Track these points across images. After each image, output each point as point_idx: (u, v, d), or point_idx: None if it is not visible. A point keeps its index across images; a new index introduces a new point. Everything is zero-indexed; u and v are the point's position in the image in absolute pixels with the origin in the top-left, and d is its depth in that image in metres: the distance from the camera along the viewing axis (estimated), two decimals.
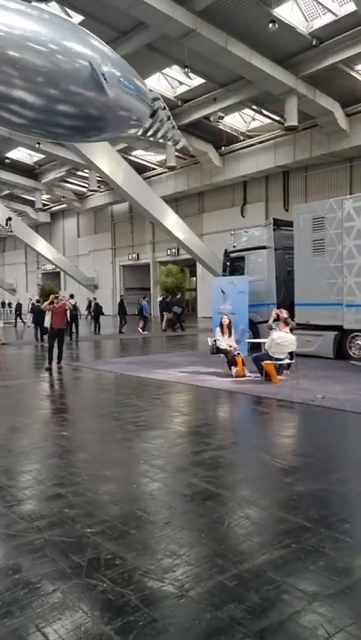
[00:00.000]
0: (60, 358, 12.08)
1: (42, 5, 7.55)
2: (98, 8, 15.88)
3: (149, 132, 8.98)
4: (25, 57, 6.22)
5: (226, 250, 15.95)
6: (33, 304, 23.16)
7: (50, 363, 11.77)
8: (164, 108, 8.49)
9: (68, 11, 17.03)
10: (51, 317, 11.95)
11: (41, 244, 39.68)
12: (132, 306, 38.88)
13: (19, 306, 31.08)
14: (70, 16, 17.28)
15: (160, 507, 4.12)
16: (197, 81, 20.81)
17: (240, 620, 2.55)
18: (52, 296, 12.36)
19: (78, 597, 2.80)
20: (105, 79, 6.78)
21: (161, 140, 9.52)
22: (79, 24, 17.13)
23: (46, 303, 12.39)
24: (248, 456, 5.53)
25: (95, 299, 26.77)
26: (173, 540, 3.46)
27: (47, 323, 12.45)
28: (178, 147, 10.17)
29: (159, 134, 9.10)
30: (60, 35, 6.74)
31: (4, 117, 6.78)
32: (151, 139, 9.48)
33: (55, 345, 11.88)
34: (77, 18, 17.15)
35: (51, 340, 11.99)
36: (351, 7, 13.93)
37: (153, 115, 8.15)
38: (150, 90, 8.49)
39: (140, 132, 8.88)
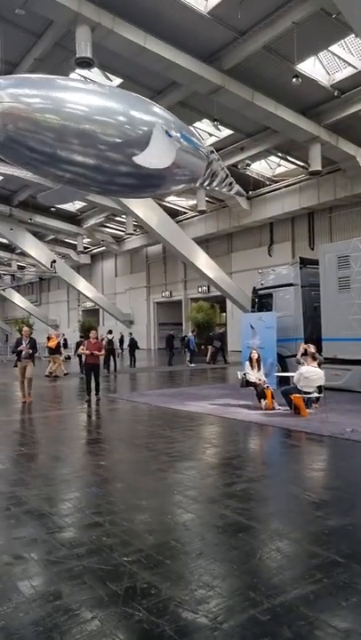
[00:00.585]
0: (97, 390, 12.10)
1: (103, 81, 8.15)
2: (135, 71, 16.62)
3: (206, 182, 9.53)
4: (95, 129, 6.64)
5: (254, 287, 15.97)
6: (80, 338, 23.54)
7: (89, 395, 11.84)
8: (218, 159, 8.86)
9: (108, 75, 17.90)
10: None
11: (82, 284, 40.62)
12: (163, 340, 39.36)
13: (64, 341, 31.80)
14: (110, 79, 18.16)
15: (193, 537, 4.05)
16: (226, 132, 21.33)
17: None
18: (92, 332, 12.41)
19: (115, 626, 2.76)
20: (170, 136, 7.24)
21: (217, 188, 9.92)
22: (118, 86, 18.05)
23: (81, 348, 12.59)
24: (279, 489, 5.40)
25: (131, 333, 27.03)
26: (207, 572, 3.39)
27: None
28: (232, 192, 10.66)
29: (215, 183, 9.61)
30: (124, 105, 7.20)
31: (74, 180, 7.25)
32: (208, 187, 9.89)
33: (92, 378, 11.93)
34: (116, 81, 17.99)
35: (87, 374, 12.01)
36: None
37: (208, 166, 8.42)
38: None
39: (198, 183, 9.28)
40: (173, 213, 29.74)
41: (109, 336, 20.77)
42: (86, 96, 6.90)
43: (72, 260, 44.54)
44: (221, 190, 10.34)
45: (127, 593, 3.09)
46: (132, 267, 43.26)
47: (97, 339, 12.39)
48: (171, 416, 9.89)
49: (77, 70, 16.56)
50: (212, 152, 8.39)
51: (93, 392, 11.98)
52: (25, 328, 12.91)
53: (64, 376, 18.90)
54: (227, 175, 9.71)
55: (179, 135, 7.42)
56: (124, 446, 7.70)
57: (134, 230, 34.47)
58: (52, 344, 19.02)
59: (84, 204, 31.99)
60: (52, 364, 19.02)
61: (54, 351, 19.13)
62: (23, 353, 11.80)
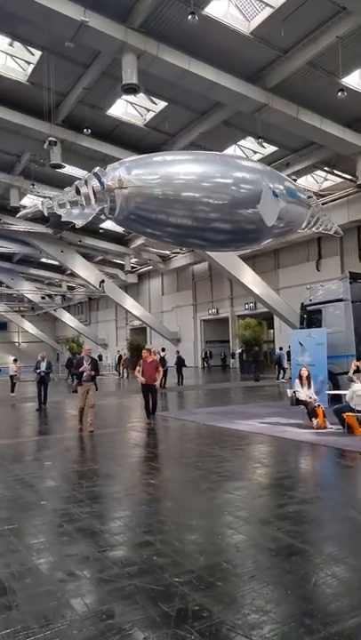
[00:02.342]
0: (154, 411, 11.37)
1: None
2: (179, 94, 16.99)
3: (309, 226, 10.50)
4: (202, 195, 7.39)
5: (302, 303, 15.71)
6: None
7: (148, 417, 11.25)
8: (318, 204, 9.40)
9: (153, 99, 18.38)
10: (142, 372, 11.02)
11: (129, 303, 41.30)
12: (216, 357, 39.33)
13: (122, 358, 32.80)
14: (155, 103, 18.63)
15: (245, 560, 3.97)
16: (270, 149, 21.34)
17: None
18: (144, 351, 11.62)
19: None
20: (276, 195, 7.97)
21: (316, 230, 10.96)
22: (162, 110, 18.49)
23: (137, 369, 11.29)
24: (333, 511, 5.22)
25: (178, 352, 27.10)
26: (260, 596, 3.31)
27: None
28: (332, 232, 11.73)
29: (315, 226, 10.58)
30: (226, 169, 7.92)
31: (187, 242, 8.16)
32: (310, 230, 10.83)
33: (150, 398, 11.23)
34: (161, 104, 18.44)
35: (145, 395, 11.27)
36: None
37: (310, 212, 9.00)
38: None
39: (301, 228, 10.30)
40: None
41: (162, 353, 20.92)
42: (195, 166, 7.64)
43: (120, 279, 45.42)
44: (320, 231, 11.31)
45: (179, 614, 3.06)
46: (178, 285, 43.59)
47: (152, 356, 11.61)
48: (219, 434, 9.81)
49: (124, 96, 17.10)
50: (310, 197, 8.88)
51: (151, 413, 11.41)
52: (86, 346, 12.02)
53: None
54: (326, 216, 10.76)
55: (283, 189, 7.96)
56: (174, 465, 7.69)
57: (180, 249, 34.80)
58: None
59: None
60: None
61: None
62: (85, 375, 10.36)
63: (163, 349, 22.06)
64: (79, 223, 7.57)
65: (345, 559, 3.87)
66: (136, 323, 46.87)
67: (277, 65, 15.42)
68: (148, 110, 19.24)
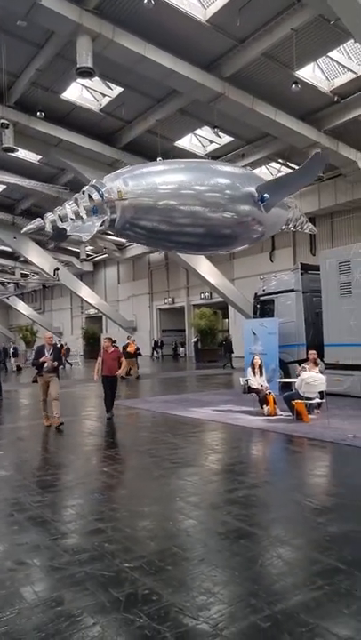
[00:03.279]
0: (111, 404, 10.57)
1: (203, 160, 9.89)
2: (135, 80, 16.74)
3: (288, 227, 11.44)
4: (198, 203, 7.80)
5: (256, 293, 15.99)
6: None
7: (108, 411, 10.48)
8: (296, 206, 9.73)
9: (109, 84, 18.04)
10: (102, 364, 10.27)
11: (85, 291, 40.72)
12: (168, 346, 39.52)
13: (62, 348, 31.87)
14: (111, 88, 18.31)
15: (195, 544, 4.06)
16: (226, 139, 21.41)
17: None
18: (105, 340, 10.63)
19: (117, 632, 2.77)
20: (263, 202, 8.43)
21: (293, 229, 11.82)
22: (118, 96, 18.20)
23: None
24: (281, 495, 5.40)
25: (134, 340, 27.06)
26: (208, 578, 3.40)
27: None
28: (307, 230, 12.54)
29: (292, 225, 11.39)
30: (215, 176, 8.31)
31: (178, 248, 9.46)
32: (287, 228, 11.66)
33: (110, 391, 10.50)
34: (117, 90, 18.13)
35: (105, 387, 10.47)
36: None
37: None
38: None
39: (282, 228, 11.06)
40: None
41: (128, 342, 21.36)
42: (189, 175, 8.02)
43: (75, 267, 44.68)
44: (298, 230, 11.97)
45: (129, 599, 3.10)
46: (134, 274, 43.37)
47: (115, 346, 10.82)
48: (173, 422, 9.90)
49: (79, 79, 16.71)
50: (291, 201, 9.32)
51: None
52: (47, 334, 11.00)
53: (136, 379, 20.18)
54: (304, 216, 11.43)
55: (269, 195, 8.39)
56: (128, 453, 7.71)
57: None
58: (132, 349, 20.36)
59: None
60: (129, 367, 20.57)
61: (132, 356, 20.13)
62: (46, 365, 9.46)
63: (128, 337, 22.29)
64: (85, 238, 7.71)
65: (290, 540, 4.02)
66: (92, 311, 46.34)
67: (233, 54, 15.45)
68: (104, 95, 18.89)
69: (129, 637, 2.73)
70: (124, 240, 37.44)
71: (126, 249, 40.81)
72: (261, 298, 15.55)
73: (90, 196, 7.50)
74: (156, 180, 7.65)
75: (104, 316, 44.39)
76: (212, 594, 3.18)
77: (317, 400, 9.83)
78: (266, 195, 8.33)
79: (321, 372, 10.10)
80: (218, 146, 22.13)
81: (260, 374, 10.98)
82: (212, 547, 3.96)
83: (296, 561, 3.67)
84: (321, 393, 9.84)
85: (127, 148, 21.49)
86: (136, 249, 39.45)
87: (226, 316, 35.02)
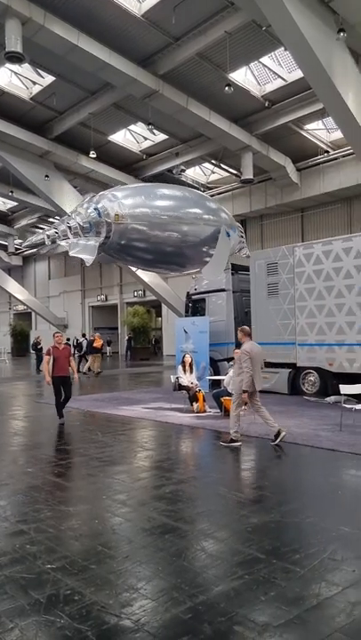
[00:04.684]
0: (63, 406, 9.57)
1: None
2: (68, 70, 16.40)
3: (235, 252, 12.41)
4: (175, 229, 8.62)
5: (188, 292, 16.19)
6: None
7: (60, 415, 9.54)
8: (241, 232, 10.77)
9: (40, 72, 17.53)
10: (54, 361, 9.23)
11: (13, 286, 39.31)
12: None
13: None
14: (43, 77, 17.80)
15: (120, 541, 4.06)
16: (161, 137, 21.48)
17: None
18: (56, 335, 9.64)
19: (36, 634, 2.71)
20: (229, 235, 9.60)
21: (237, 253, 12.72)
22: (50, 85, 17.74)
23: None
24: (207, 490, 5.51)
25: (68, 339, 26.67)
26: (132, 575, 3.41)
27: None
28: (243, 254, 13.23)
29: (238, 250, 12.33)
30: (196, 206, 9.29)
31: (160, 268, 10.03)
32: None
33: (63, 394, 9.48)
34: (49, 79, 17.66)
35: (56, 389, 9.43)
36: (299, 74, 14.82)
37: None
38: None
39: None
40: None
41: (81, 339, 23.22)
42: (175, 203, 8.91)
43: (3, 261, 43.02)
44: (237, 253, 12.87)
45: (50, 600, 3.05)
46: (66, 269, 42.42)
47: (66, 343, 10.00)
48: (103, 421, 9.81)
49: (7, 65, 16.09)
50: (238, 227, 10.14)
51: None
52: None
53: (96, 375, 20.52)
54: (244, 242, 12.66)
55: (233, 231, 9.50)
56: (55, 452, 7.56)
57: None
58: (98, 344, 21.30)
59: (15, 203, 31.04)
60: (92, 362, 21.25)
61: (98, 350, 21.28)
62: None
63: (83, 335, 22.44)
64: (87, 260, 7.96)
65: (214, 533, 4.12)
66: (20, 307, 44.85)
67: (169, 52, 15.53)
68: (35, 83, 18.34)
69: (49, 639, 2.68)
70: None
71: None
72: (193, 297, 15.77)
73: (88, 215, 7.80)
74: (149, 206, 8.22)
75: (34, 313, 43.10)
76: (136, 590, 3.19)
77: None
78: (231, 231, 9.51)
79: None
80: (152, 143, 22.16)
81: (191, 372, 11.13)
82: (138, 543, 3.97)
83: (218, 553, 3.77)
84: None
85: (59, 139, 21.01)
86: None
87: (159, 314, 35.16)
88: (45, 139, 20.81)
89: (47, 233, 7.70)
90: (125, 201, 7.86)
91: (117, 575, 3.40)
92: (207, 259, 9.32)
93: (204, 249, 8.88)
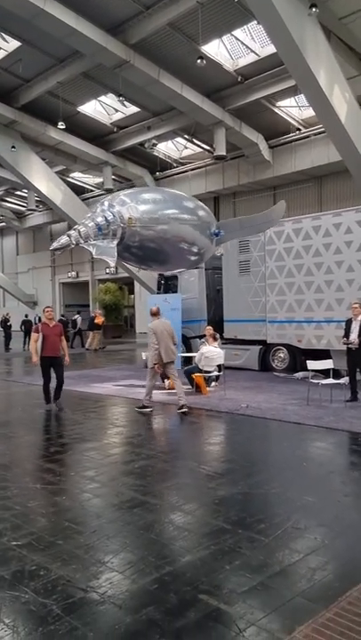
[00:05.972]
0: (58, 394, 8.73)
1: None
2: (35, 35, 15.72)
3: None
4: (183, 233, 9.09)
5: None
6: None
7: (48, 401, 8.83)
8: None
9: (5, 36, 16.79)
10: (43, 340, 8.49)
11: None
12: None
13: None
14: (7, 41, 17.06)
15: (88, 517, 4.07)
16: (132, 109, 20.95)
17: (158, 622, 2.56)
18: (47, 310, 9.13)
19: None
20: (216, 235, 9.86)
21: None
22: (16, 50, 17.03)
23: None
24: (176, 464, 5.56)
25: (27, 315, 26.35)
26: (99, 549, 3.43)
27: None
28: (218, 254, 12.75)
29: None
30: (192, 208, 9.66)
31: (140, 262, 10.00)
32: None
33: (52, 376, 8.78)
34: (14, 44, 16.94)
35: (45, 371, 8.70)
36: (272, 49, 14.59)
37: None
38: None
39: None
40: (79, 190, 28.89)
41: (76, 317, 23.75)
42: (178, 204, 9.44)
43: None
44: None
45: (14, 576, 3.04)
46: (35, 245, 41.50)
47: (55, 320, 9.31)
48: (73, 398, 9.75)
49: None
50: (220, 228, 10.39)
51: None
52: None
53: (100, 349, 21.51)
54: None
55: (217, 229, 9.93)
56: (24, 431, 7.48)
57: (37, 206, 32.98)
58: (100, 321, 22.13)
59: None
60: (92, 339, 21.78)
61: (99, 327, 22.06)
62: None
63: (78, 312, 24.32)
64: (111, 261, 8.47)
65: (182, 506, 4.17)
66: None
67: (139, 20, 15.04)
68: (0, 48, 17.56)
69: (13, 614, 2.68)
70: (23, 208, 35.70)
71: (26, 218, 38.89)
72: (165, 274, 15.67)
73: (105, 218, 8.25)
74: (158, 209, 8.81)
75: (1, 289, 42.20)
76: (103, 563, 3.21)
77: (216, 373, 10.21)
78: (222, 231, 9.92)
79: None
80: (124, 115, 21.62)
81: None
82: (106, 518, 3.99)
83: (186, 525, 3.82)
84: (219, 366, 10.22)
85: (26, 108, 20.29)
86: (36, 218, 37.73)
87: (132, 291, 34.92)
88: (11, 107, 20.06)
89: (72, 235, 8.18)
90: (137, 205, 8.59)
91: (85, 550, 3.42)
92: (193, 257, 10.02)
93: (198, 249, 9.70)
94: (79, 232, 8.20)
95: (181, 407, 8.04)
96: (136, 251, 8.87)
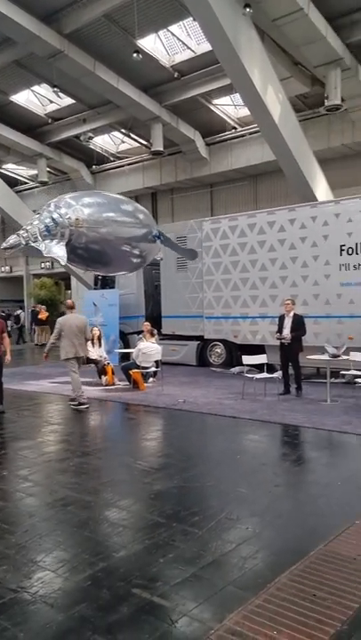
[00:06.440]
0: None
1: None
2: None
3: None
4: (123, 234, 9.54)
5: None
6: None
7: None
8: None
9: None
10: None
11: None
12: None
13: None
14: None
15: (21, 516, 3.98)
16: (68, 101, 20.47)
17: (90, 619, 2.55)
18: None
19: None
20: (159, 238, 10.55)
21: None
22: None
23: None
24: (112, 460, 5.54)
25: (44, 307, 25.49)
26: (31, 548, 3.37)
27: None
28: (158, 258, 12.98)
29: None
30: (133, 211, 10.25)
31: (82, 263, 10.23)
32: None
33: None
34: None
35: None
36: (208, 46, 14.73)
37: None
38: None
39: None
40: (12, 182, 27.91)
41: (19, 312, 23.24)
42: (120, 208, 9.91)
43: None
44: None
45: None
46: None
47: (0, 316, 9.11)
48: (7, 397, 9.41)
49: None
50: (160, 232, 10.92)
51: None
52: None
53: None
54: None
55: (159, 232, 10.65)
56: None
57: None
58: (43, 316, 22.04)
59: None
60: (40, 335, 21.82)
61: (45, 322, 21.89)
62: None
63: (21, 307, 22.03)
64: (62, 259, 8.61)
65: (117, 502, 4.17)
66: None
67: (74, 10, 14.71)
68: None
69: None
70: None
71: None
72: None
73: (53, 219, 8.45)
74: (102, 211, 9.19)
75: None
76: (35, 563, 3.16)
77: (153, 369, 10.25)
78: (162, 235, 10.83)
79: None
80: (58, 107, 21.09)
81: (100, 345, 11.02)
82: (39, 517, 3.92)
83: (120, 521, 3.82)
84: (157, 362, 10.27)
85: None
86: None
87: (69, 287, 34.23)
88: None
89: (21, 234, 8.40)
90: (82, 207, 8.89)
91: (16, 550, 3.34)
92: (136, 260, 10.50)
93: (139, 251, 10.22)
94: (28, 232, 8.41)
95: (73, 400, 8.20)
96: (82, 252, 9.10)
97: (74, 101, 20.29)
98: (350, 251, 9.97)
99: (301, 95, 16.28)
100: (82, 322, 8.46)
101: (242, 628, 2.44)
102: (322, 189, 14.65)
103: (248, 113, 16.24)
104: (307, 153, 14.20)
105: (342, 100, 13.77)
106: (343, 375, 9.29)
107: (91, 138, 22.13)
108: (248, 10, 11.18)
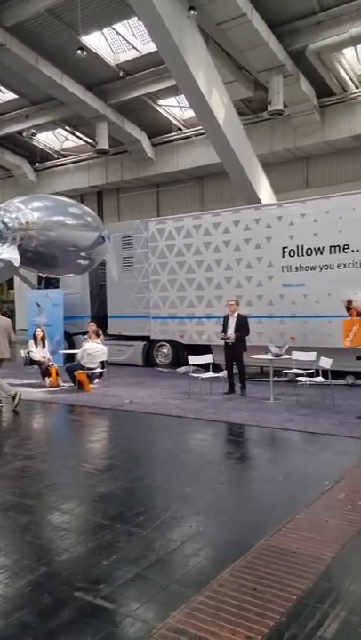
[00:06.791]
0: None
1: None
2: None
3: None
4: (73, 237, 9.73)
5: None
6: None
7: None
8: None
9: None
10: None
11: None
12: None
13: None
14: None
15: None
16: (9, 95, 19.92)
17: (31, 625, 2.50)
18: None
19: None
20: (107, 238, 10.73)
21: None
22: None
23: None
24: (56, 463, 5.44)
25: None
26: None
27: None
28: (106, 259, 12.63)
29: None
30: (82, 214, 10.32)
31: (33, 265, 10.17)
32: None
33: None
34: None
35: None
36: (153, 47, 14.75)
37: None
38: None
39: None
40: None
41: None
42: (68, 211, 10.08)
43: None
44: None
45: None
46: None
47: None
48: None
49: None
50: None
51: None
52: None
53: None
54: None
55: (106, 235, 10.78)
56: None
57: None
58: None
59: None
60: None
61: None
62: None
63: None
64: (15, 260, 8.65)
65: (60, 506, 4.10)
66: None
67: (16, 3, 14.33)
68: None
69: None
70: None
71: None
72: None
73: (4, 223, 8.51)
74: (51, 215, 9.29)
75: None
76: None
77: (99, 370, 10.15)
78: (110, 237, 11.03)
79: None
80: (0, 102, 20.47)
81: (43, 346, 10.80)
82: None
83: (64, 524, 3.75)
84: (102, 363, 10.18)
85: None
86: None
87: (11, 286, 33.24)
88: None
89: None
90: (32, 211, 8.99)
91: None
92: (84, 262, 10.66)
93: (88, 254, 10.39)
94: None
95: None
96: (31, 255, 9.22)
97: (16, 96, 19.75)
98: (292, 253, 10.28)
99: (245, 99, 16.58)
100: (9, 324, 8.75)
101: (184, 626, 2.47)
102: (265, 192, 15.01)
103: (193, 114, 16.41)
104: (251, 156, 14.51)
105: (285, 105, 14.17)
106: (286, 374, 9.57)
107: (34, 134, 21.66)
108: (192, 12, 11.29)
